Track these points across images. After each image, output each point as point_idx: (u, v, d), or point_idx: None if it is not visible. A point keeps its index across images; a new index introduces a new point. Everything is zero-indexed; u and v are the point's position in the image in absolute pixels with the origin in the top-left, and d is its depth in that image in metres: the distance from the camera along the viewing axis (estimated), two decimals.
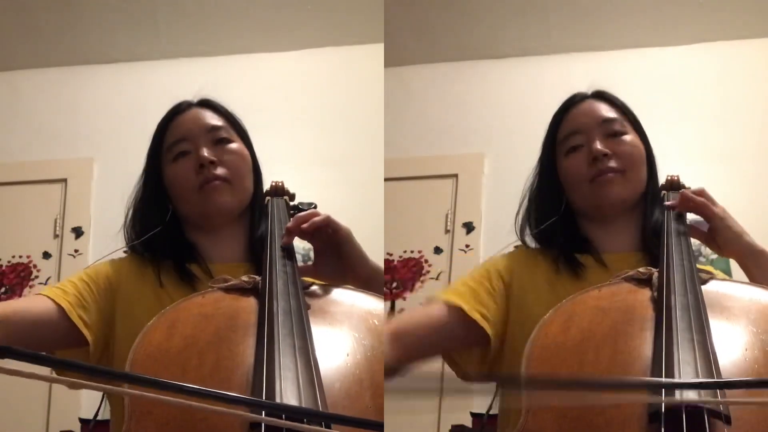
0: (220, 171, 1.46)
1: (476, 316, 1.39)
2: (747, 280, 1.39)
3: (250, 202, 1.52)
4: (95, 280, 1.41)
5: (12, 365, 0.81)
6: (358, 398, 1.09)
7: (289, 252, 1.37)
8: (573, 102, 1.55)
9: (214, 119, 1.52)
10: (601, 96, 1.55)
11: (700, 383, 1.02)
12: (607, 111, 1.52)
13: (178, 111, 1.55)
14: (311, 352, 1.11)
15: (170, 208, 1.48)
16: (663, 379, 1.03)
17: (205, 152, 1.46)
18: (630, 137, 1.51)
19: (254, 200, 1.52)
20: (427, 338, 1.40)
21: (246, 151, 1.53)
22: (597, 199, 1.47)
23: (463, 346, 1.44)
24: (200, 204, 1.46)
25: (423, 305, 1.45)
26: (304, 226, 1.38)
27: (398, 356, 1.32)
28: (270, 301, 1.21)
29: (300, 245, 1.45)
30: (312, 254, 1.42)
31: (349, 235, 1.39)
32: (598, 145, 1.47)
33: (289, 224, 1.40)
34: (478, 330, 1.39)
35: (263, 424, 0.96)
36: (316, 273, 1.41)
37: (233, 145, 1.51)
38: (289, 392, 1.01)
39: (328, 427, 0.94)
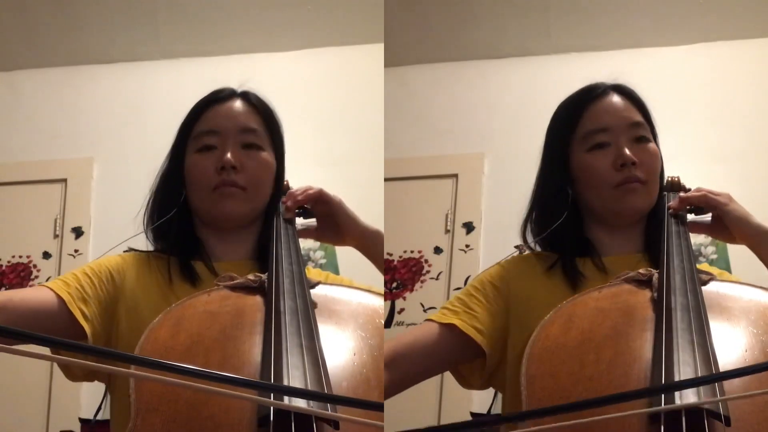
0: (239, 177, 1.44)
1: (471, 332, 1.38)
2: (748, 280, 1.38)
3: (266, 207, 1.51)
4: (98, 274, 1.39)
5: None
6: (366, 397, 1.08)
7: (292, 224, 1.48)
8: (593, 95, 1.50)
9: (250, 120, 1.50)
10: (622, 91, 1.51)
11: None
12: (634, 113, 1.48)
13: (217, 99, 1.51)
14: (318, 350, 1.11)
15: (183, 193, 1.47)
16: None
17: (230, 155, 1.44)
18: (652, 145, 1.48)
19: (270, 205, 1.51)
20: (422, 361, 1.39)
21: (271, 161, 1.51)
22: (619, 205, 1.45)
23: (463, 361, 1.43)
24: (211, 205, 1.45)
25: (416, 327, 1.44)
26: (299, 198, 1.50)
27: (394, 381, 1.33)
28: (276, 299, 1.20)
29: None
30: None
31: (340, 204, 1.50)
32: (628, 152, 1.43)
33: (288, 202, 1.50)
34: (476, 345, 1.38)
35: (272, 422, 0.96)
36: (318, 236, 1.55)
37: (261, 154, 1.49)
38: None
39: (334, 412, 0.94)
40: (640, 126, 1.47)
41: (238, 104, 1.51)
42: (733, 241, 1.47)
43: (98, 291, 1.37)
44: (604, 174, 1.44)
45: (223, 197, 1.44)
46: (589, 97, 1.50)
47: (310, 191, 1.51)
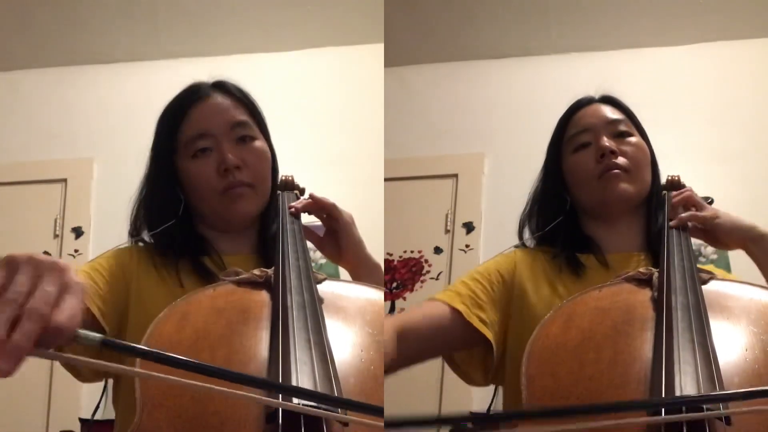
0: (244, 176, 1.40)
1: (475, 321, 1.37)
2: (748, 280, 1.38)
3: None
4: (109, 270, 1.36)
5: None
6: (374, 394, 1.07)
7: (298, 218, 1.44)
8: (580, 105, 1.57)
9: (237, 112, 1.45)
10: (607, 100, 1.58)
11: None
12: (613, 113, 1.54)
13: (195, 98, 1.45)
14: (327, 346, 1.09)
15: (182, 198, 1.43)
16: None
17: (230, 156, 1.39)
18: (635, 139, 1.52)
19: (270, 198, 1.48)
20: (430, 338, 1.38)
21: (266, 148, 1.47)
22: (604, 194, 1.47)
23: (463, 347, 1.42)
24: (222, 208, 1.41)
25: (423, 304, 1.43)
26: (308, 204, 1.47)
27: (402, 355, 1.31)
28: (284, 294, 1.19)
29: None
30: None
31: (348, 224, 1.46)
32: (606, 142, 1.48)
33: (298, 204, 1.46)
34: (478, 334, 1.38)
35: (280, 416, 0.95)
36: (320, 246, 1.50)
37: (257, 144, 1.44)
38: (305, 387, 1.00)
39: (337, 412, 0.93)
40: (620, 122, 1.52)
41: (219, 99, 1.45)
42: (729, 248, 1.48)
43: (111, 286, 1.34)
44: (587, 169, 1.49)
45: (234, 200, 1.40)
46: (576, 107, 1.57)
47: (325, 202, 1.47)
